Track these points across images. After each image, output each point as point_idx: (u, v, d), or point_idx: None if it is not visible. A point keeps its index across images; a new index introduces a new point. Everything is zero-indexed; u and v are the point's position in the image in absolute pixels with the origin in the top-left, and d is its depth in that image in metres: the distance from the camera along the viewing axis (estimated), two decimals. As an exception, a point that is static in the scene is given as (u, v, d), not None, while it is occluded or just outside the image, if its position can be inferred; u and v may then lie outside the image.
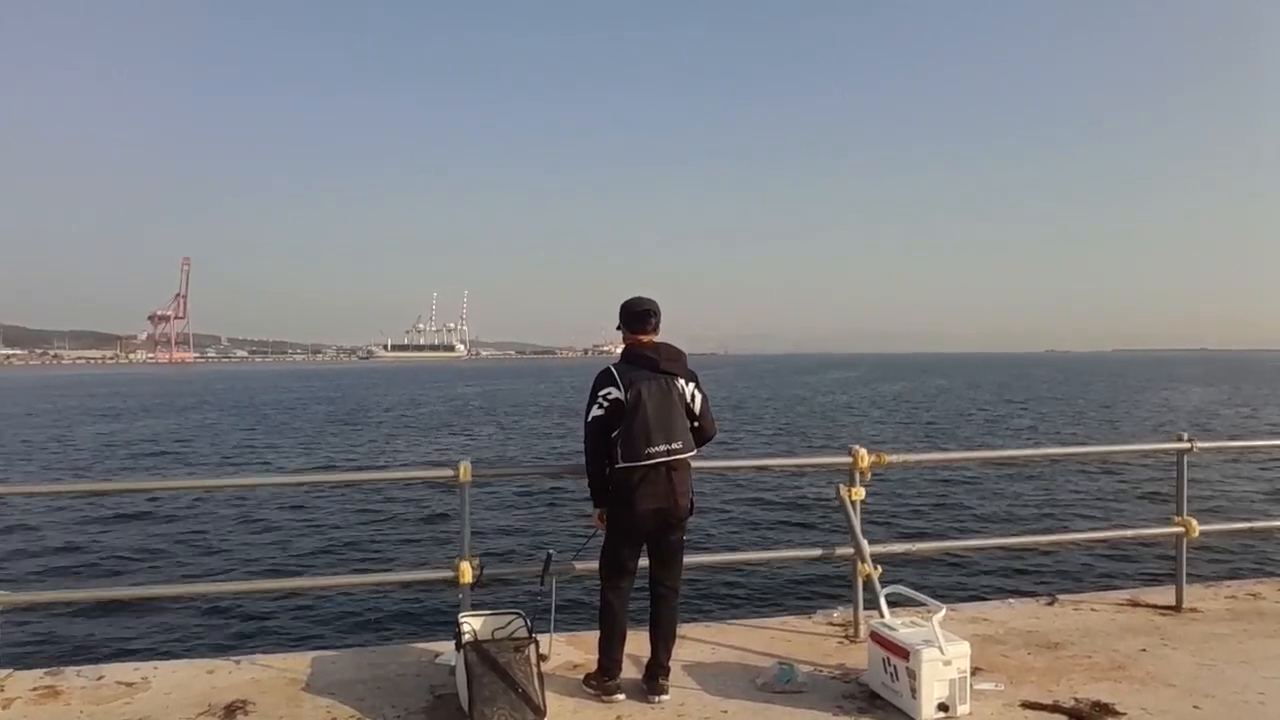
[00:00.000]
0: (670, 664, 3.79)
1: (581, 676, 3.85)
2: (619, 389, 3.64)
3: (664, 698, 3.66)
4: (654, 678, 3.71)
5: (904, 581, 3.92)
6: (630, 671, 3.83)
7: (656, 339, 3.89)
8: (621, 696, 3.69)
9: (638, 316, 3.86)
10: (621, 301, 3.94)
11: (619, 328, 3.92)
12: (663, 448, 3.61)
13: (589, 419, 3.71)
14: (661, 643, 3.76)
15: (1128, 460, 17.38)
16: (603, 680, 3.74)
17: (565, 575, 4.26)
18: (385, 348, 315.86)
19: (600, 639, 3.78)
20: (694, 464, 3.88)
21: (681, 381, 3.76)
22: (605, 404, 3.66)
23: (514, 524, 12.63)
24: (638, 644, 3.86)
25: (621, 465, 3.63)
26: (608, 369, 3.76)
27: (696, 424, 3.80)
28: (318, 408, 43.68)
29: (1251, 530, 8.43)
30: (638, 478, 3.62)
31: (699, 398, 3.82)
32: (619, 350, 3.95)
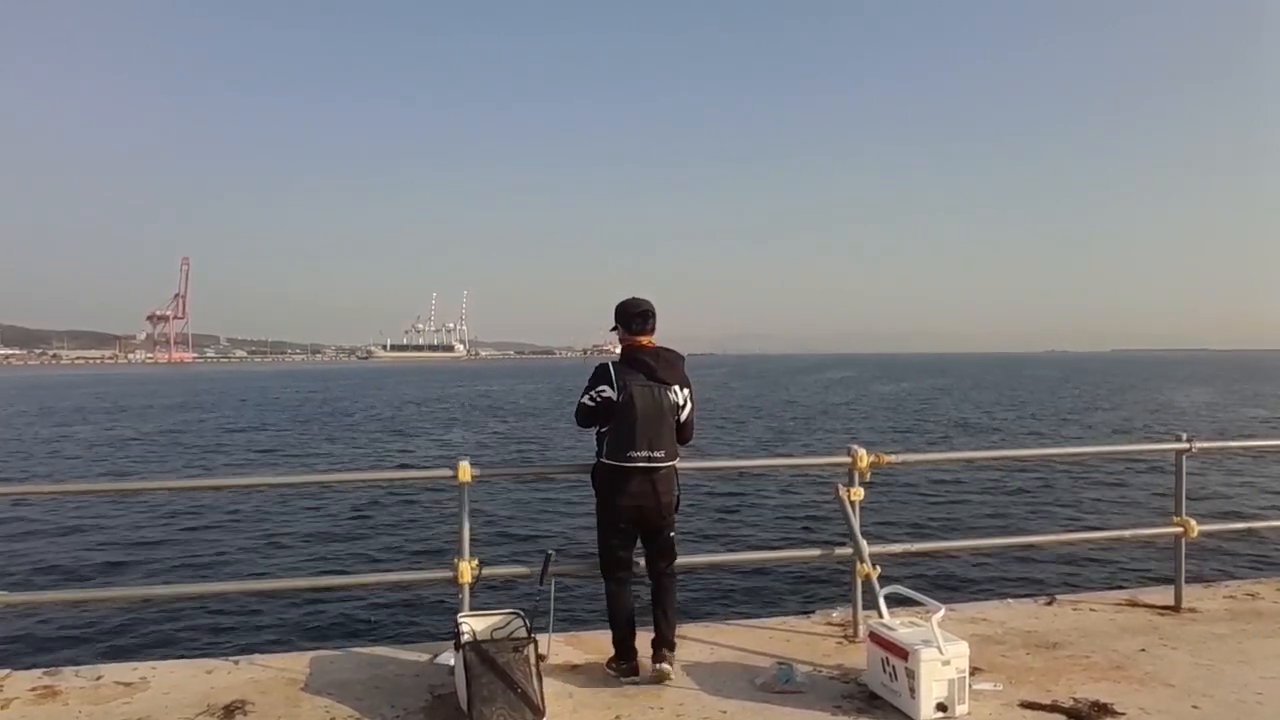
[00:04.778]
0: (675, 639, 3.91)
1: (578, 677, 3.88)
2: (612, 388, 3.75)
3: (664, 666, 3.78)
4: (657, 649, 3.85)
5: (903, 581, 3.92)
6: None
7: (654, 340, 3.96)
8: (636, 678, 3.82)
9: (636, 318, 3.92)
10: (618, 302, 3.98)
11: (614, 328, 3.97)
12: (644, 453, 3.73)
13: (580, 403, 3.88)
14: (663, 616, 3.90)
15: (1127, 460, 17.39)
16: (620, 665, 3.88)
17: (564, 575, 4.27)
18: (384, 348, 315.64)
19: (611, 628, 3.94)
20: (694, 464, 4.03)
21: (676, 389, 3.84)
22: (597, 399, 3.80)
23: (513, 524, 12.62)
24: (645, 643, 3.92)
25: (604, 462, 3.80)
26: (605, 365, 3.86)
27: (678, 422, 3.87)
28: (316, 408, 43.65)
29: (1250, 530, 8.44)
30: (619, 477, 3.78)
31: (688, 406, 3.91)
32: (618, 351, 3.97)
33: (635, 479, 3.76)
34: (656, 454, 3.75)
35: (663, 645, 3.86)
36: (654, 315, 3.95)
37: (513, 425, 32.50)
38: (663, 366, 3.81)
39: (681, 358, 3.92)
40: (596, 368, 3.88)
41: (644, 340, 3.91)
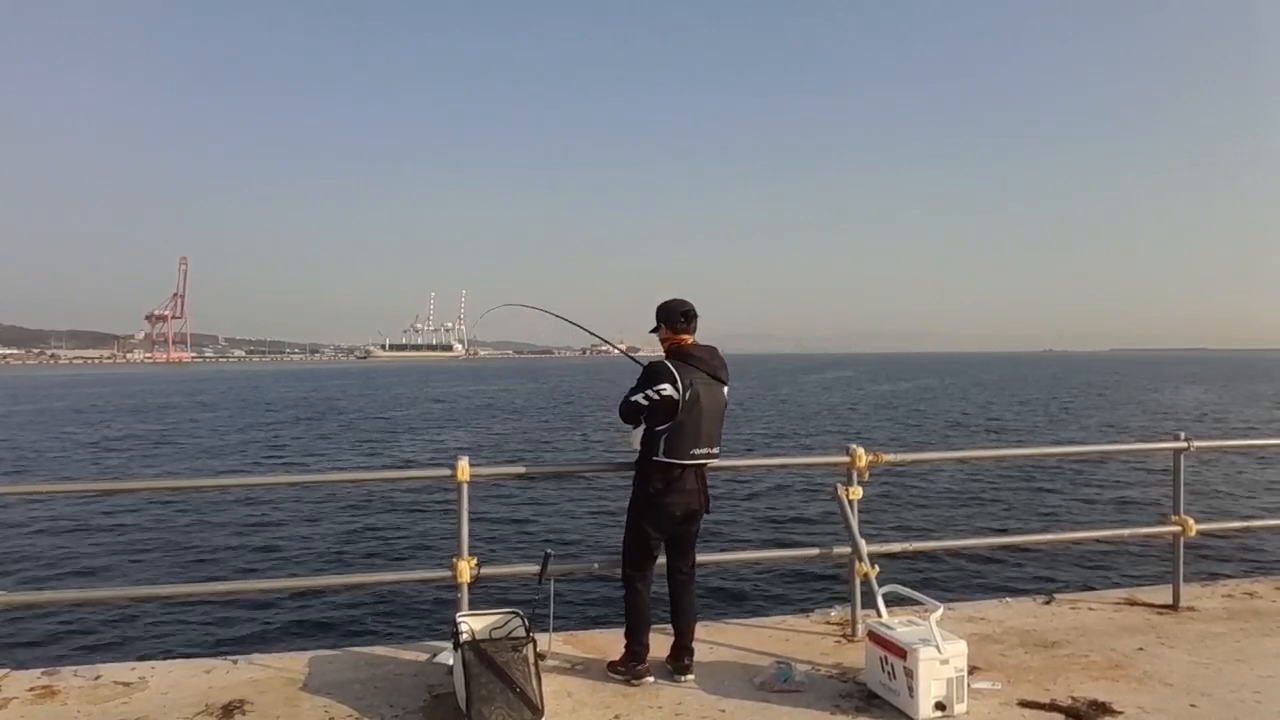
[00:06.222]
0: (694, 646, 3.90)
1: (578, 676, 3.87)
2: (675, 387, 3.67)
3: (689, 677, 3.79)
4: (679, 659, 3.85)
5: (901, 580, 3.92)
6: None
7: (695, 339, 3.95)
8: (651, 679, 3.79)
9: (684, 316, 3.91)
10: (660, 303, 3.98)
11: (655, 329, 3.95)
12: (704, 450, 3.77)
13: (631, 401, 3.74)
14: (686, 626, 3.89)
15: (1125, 459, 17.41)
16: (633, 666, 3.83)
17: (563, 575, 4.26)
18: (383, 347, 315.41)
19: (630, 627, 3.88)
20: None
21: (725, 386, 3.89)
22: (656, 397, 3.68)
23: (512, 523, 12.64)
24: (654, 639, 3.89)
25: (663, 460, 3.72)
26: (663, 363, 3.77)
27: None
28: (315, 407, 43.62)
29: (1248, 529, 8.46)
30: (675, 475, 3.74)
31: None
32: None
33: (688, 476, 3.75)
34: (714, 450, 3.81)
35: (685, 654, 3.86)
36: (696, 315, 3.94)
37: (511, 425, 32.50)
38: (717, 364, 3.85)
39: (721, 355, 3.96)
40: (651, 366, 3.77)
41: (687, 339, 3.90)
